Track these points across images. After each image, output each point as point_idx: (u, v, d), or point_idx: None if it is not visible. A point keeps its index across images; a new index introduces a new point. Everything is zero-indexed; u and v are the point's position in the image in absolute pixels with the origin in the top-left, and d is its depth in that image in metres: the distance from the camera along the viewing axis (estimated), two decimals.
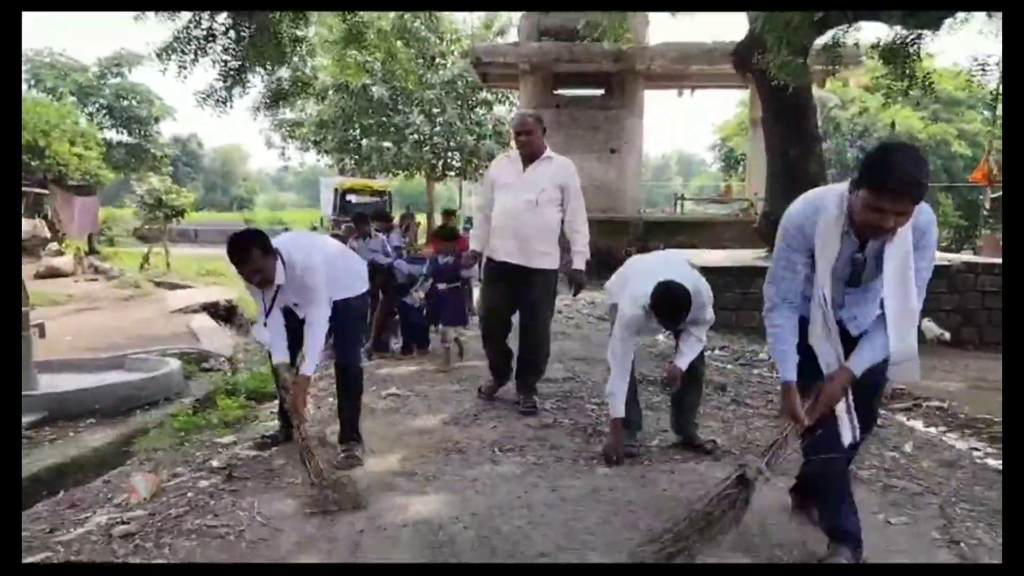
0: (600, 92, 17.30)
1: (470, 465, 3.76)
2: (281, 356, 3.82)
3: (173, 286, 15.41)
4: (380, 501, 3.27)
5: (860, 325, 2.68)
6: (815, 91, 11.14)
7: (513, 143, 4.85)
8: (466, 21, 26.61)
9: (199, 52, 7.76)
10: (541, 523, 3.02)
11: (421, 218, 26.29)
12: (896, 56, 7.84)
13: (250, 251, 3.53)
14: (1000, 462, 4.44)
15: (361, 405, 4.18)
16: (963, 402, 5.78)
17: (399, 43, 11.79)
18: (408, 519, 3.07)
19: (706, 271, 4.25)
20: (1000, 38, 7.73)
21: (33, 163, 18.87)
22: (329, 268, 3.81)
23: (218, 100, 8.41)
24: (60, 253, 17.17)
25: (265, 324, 3.82)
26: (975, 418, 5.36)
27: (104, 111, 25.16)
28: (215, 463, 3.86)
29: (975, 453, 4.81)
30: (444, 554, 2.73)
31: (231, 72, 8.14)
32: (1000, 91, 8.12)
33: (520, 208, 4.73)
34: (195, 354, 7.69)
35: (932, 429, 5.33)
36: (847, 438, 2.62)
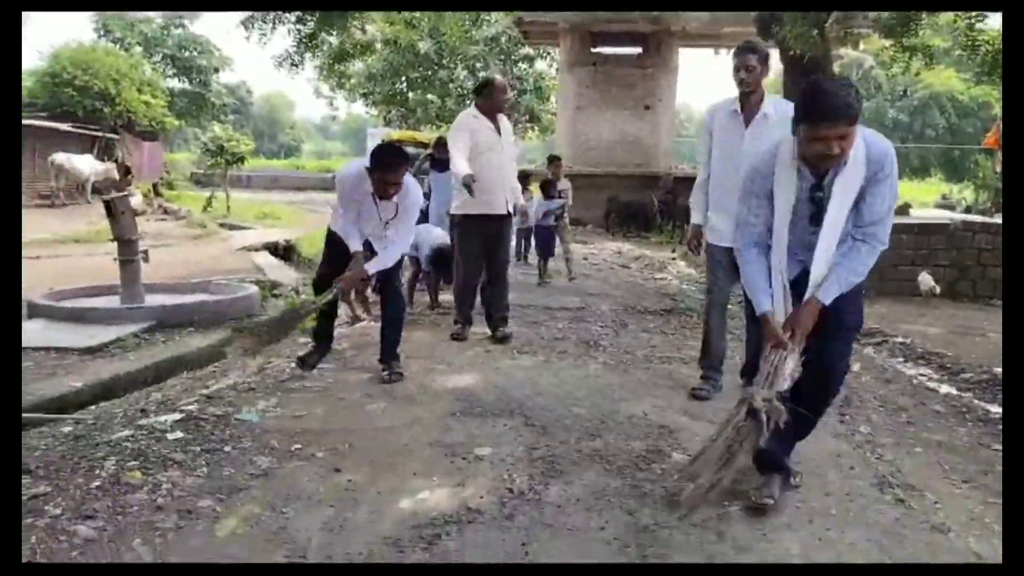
0: (637, 51, 18.04)
1: (495, 360, 4.94)
2: (357, 245, 4.27)
3: (235, 227, 16.73)
4: (425, 377, 4.46)
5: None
6: (850, 53, 11.56)
7: None
8: None
9: (276, 21, 8.95)
10: (543, 393, 4.18)
11: None
12: (893, 33, 8.56)
13: (404, 164, 4.06)
14: (946, 387, 5.19)
15: (401, 334, 4.64)
16: (937, 344, 6.30)
17: None
18: (446, 387, 4.26)
19: None
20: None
21: (105, 109, 20.40)
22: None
23: (292, 63, 9.67)
24: (130, 194, 18.55)
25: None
26: (933, 352, 6.04)
27: (167, 61, 26.65)
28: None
29: (920, 376, 5.65)
30: (472, 405, 3.90)
31: (303, 39, 9.34)
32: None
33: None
34: (267, 283, 8.92)
35: (889, 358, 6.16)
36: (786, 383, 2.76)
